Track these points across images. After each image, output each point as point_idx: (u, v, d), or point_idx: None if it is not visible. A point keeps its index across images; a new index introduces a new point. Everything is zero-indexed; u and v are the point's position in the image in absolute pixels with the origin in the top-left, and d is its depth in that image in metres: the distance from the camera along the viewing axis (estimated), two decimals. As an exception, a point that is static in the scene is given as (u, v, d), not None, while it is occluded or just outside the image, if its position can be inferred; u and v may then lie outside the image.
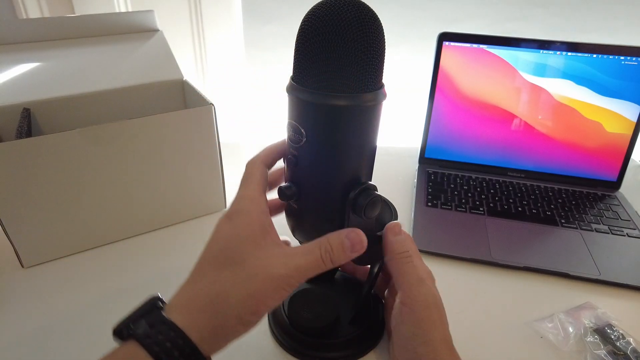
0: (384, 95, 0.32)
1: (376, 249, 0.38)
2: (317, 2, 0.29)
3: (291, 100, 0.32)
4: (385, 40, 0.30)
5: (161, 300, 0.30)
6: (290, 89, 0.31)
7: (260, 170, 0.35)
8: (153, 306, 0.29)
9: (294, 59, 0.31)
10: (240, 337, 0.30)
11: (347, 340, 0.42)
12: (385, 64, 0.31)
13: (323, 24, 0.28)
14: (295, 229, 0.38)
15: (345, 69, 0.29)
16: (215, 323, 0.28)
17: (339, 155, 0.32)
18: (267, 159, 0.36)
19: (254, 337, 0.43)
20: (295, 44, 0.31)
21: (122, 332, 0.28)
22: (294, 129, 0.32)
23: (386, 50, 0.31)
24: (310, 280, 0.47)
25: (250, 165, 0.35)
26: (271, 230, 0.32)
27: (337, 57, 0.29)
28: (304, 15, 0.30)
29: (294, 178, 0.35)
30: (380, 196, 0.34)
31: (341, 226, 0.35)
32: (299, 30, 0.30)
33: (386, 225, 0.37)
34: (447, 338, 0.34)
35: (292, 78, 0.32)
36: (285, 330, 0.43)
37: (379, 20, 0.29)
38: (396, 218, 0.39)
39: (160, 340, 0.26)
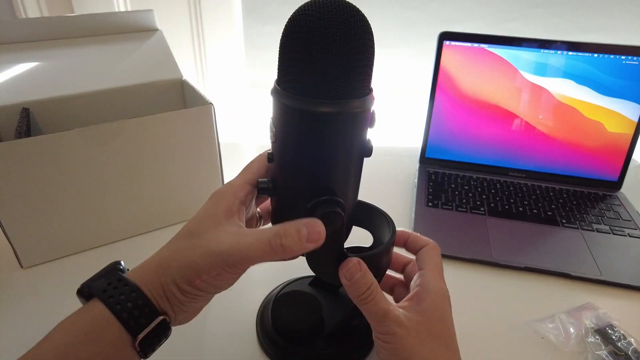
0: (354, 106, 0.29)
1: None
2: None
3: (272, 95, 0.32)
4: (374, 43, 0.29)
5: (120, 264, 0.32)
6: (273, 90, 0.31)
7: (260, 162, 0.35)
8: (112, 268, 0.31)
9: (281, 65, 0.30)
10: (185, 305, 0.31)
11: (333, 352, 0.41)
12: (371, 69, 0.30)
13: (307, 26, 0.27)
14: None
15: (318, 74, 0.28)
16: (160, 284, 0.30)
17: (301, 160, 0.31)
18: None
19: (241, 347, 0.43)
20: (279, 46, 0.29)
21: (84, 291, 0.30)
22: (269, 126, 0.32)
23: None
24: (314, 287, 0.46)
25: (256, 157, 0.36)
26: (238, 214, 0.32)
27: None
28: (290, 16, 0.29)
29: (270, 174, 0.35)
30: (340, 215, 0.31)
31: None
32: (283, 32, 0.29)
33: (340, 269, 0.33)
34: (432, 356, 0.32)
35: (276, 79, 0.31)
36: (272, 339, 0.42)
37: (367, 21, 0.28)
38: (394, 234, 0.37)
39: (115, 294, 0.29)
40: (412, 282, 0.37)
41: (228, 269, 0.30)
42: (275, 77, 0.31)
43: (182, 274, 0.29)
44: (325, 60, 0.27)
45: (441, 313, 0.34)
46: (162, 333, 0.30)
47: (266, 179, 0.35)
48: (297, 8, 0.28)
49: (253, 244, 0.29)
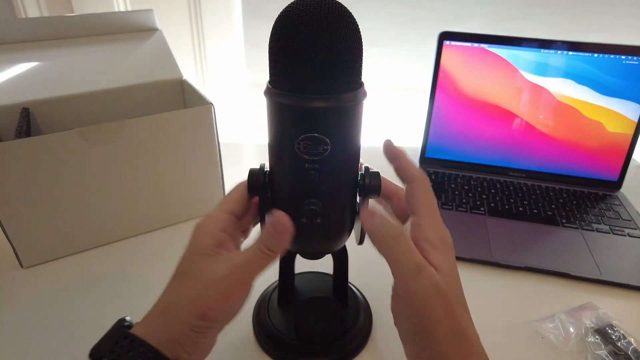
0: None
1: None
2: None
3: (306, 112, 0.29)
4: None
5: (126, 320, 0.32)
6: (305, 101, 0.29)
7: (238, 191, 0.35)
8: (118, 327, 0.31)
9: (302, 69, 0.28)
10: (198, 343, 0.31)
11: (333, 345, 0.41)
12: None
13: (290, 24, 0.28)
14: (316, 249, 0.37)
15: (357, 65, 0.30)
16: (168, 330, 0.30)
17: (357, 152, 0.33)
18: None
19: (237, 343, 0.43)
20: (286, 52, 0.28)
21: (94, 355, 0.30)
22: (314, 141, 0.30)
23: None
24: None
25: (234, 187, 0.36)
26: (226, 244, 0.33)
27: (354, 56, 0.29)
28: (289, 24, 0.28)
29: (314, 193, 0.32)
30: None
31: (352, 220, 0.36)
32: (285, 37, 0.28)
33: (360, 214, 0.33)
34: (457, 329, 0.29)
35: (297, 88, 0.29)
36: (269, 335, 0.43)
37: (350, 16, 0.29)
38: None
39: (123, 352, 0.29)
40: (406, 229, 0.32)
41: (233, 289, 0.31)
42: (298, 88, 0.29)
43: (191, 311, 0.30)
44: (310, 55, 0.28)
45: (453, 270, 0.31)
46: None
47: (313, 201, 0.32)
48: (283, 8, 0.29)
49: (247, 258, 0.31)
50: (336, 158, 0.31)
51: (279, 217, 0.31)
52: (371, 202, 0.34)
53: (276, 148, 0.32)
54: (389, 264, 0.30)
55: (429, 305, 0.29)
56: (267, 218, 0.32)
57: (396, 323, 0.32)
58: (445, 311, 0.29)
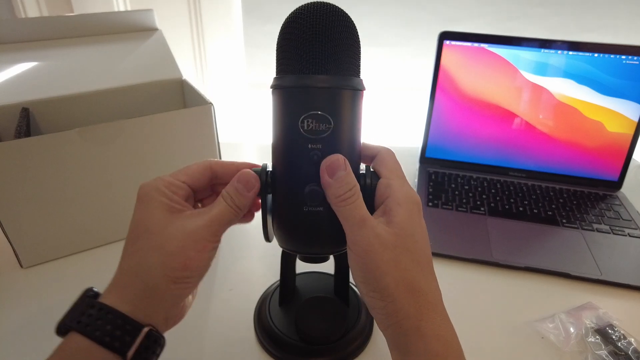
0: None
1: None
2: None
3: (310, 89, 0.32)
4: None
5: (92, 290, 0.31)
6: (309, 79, 0.32)
7: (198, 168, 0.35)
8: (83, 297, 0.30)
9: (306, 52, 0.31)
10: (180, 297, 0.31)
11: (334, 345, 0.41)
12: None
13: (299, 22, 0.31)
14: (317, 240, 0.36)
15: (357, 53, 0.33)
16: (144, 289, 0.29)
17: (357, 142, 0.34)
18: (220, 165, 0.35)
19: (239, 344, 0.43)
20: (292, 40, 0.32)
21: (61, 328, 0.29)
22: (317, 119, 0.32)
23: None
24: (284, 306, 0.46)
25: (194, 163, 0.35)
26: (180, 203, 0.33)
27: (355, 42, 0.33)
28: (294, 21, 0.32)
29: (316, 177, 0.32)
30: None
31: None
32: (292, 30, 0.32)
33: (322, 164, 0.32)
34: (407, 280, 0.30)
35: (302, 69, 0.32)
36: (270, 335, 0.43)
37: (347, 16, 0.33)
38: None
39: (91, 321, 0.28)
40: (377, 193, 0.34)
41: (211, 238, 0.31)
42: (305, 68, 0.32)
43: (170, 265, 0.29)
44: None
45: (413, 225, 0.32)
46: (154, 344, 0.29)
47: (314, 184, 0.32)
48: (295, 12, 0.33)
49: (220, 212, 0.32)
50: (338, 139, 0.33)
51: (248, 175, 0.33)
52: (333, 158, 0.32)
53: (281, 134, 0.33)
54: (341, 218, 0.32)
55: (373, 255, 0.30)
56: (236, 177, 0.33)
57: (353, 277, 0.33)
58: (393, 261, 0.30)
